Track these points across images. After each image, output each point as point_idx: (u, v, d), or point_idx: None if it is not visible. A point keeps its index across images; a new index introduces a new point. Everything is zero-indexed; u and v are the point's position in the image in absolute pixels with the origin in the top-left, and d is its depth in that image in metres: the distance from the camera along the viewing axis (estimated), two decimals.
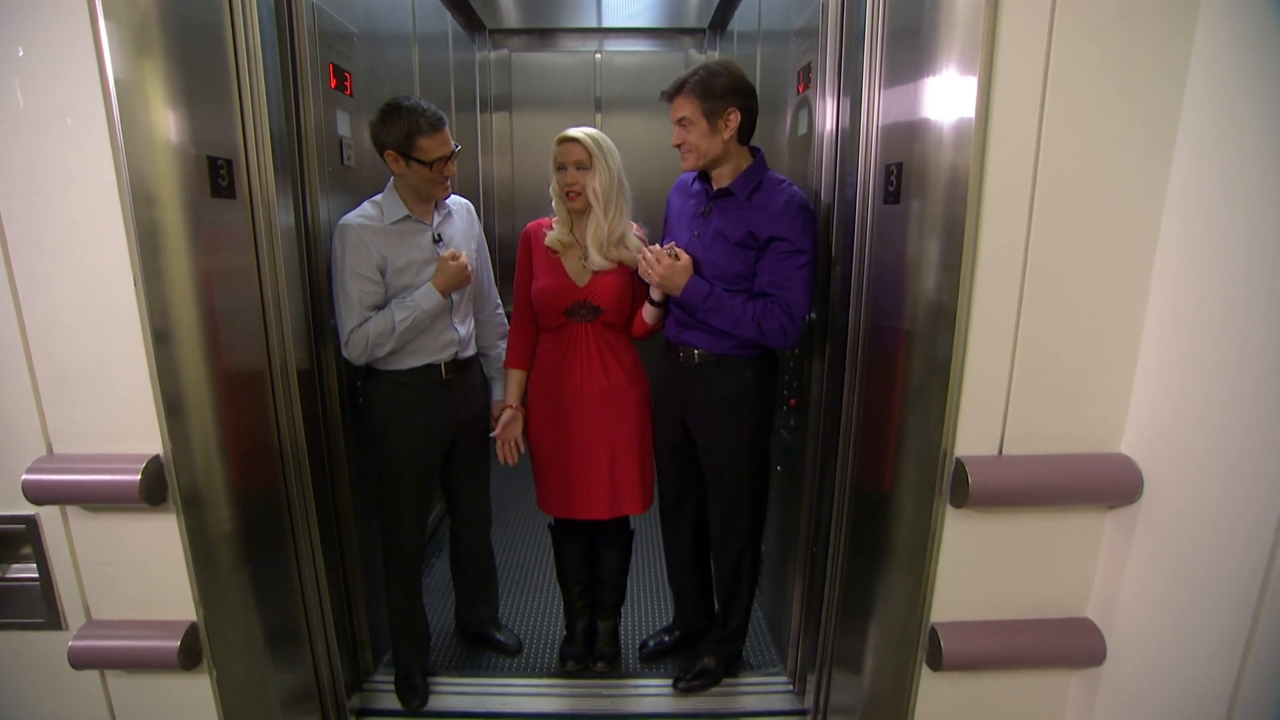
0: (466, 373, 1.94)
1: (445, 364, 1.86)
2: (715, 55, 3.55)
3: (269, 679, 1.57)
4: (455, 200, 1.93)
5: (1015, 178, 1.19)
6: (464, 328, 1.90)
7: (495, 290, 2.09)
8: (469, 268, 1.80)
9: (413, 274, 1.77)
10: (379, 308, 1.74)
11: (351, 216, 1.73)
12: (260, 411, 1.51)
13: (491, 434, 1.97)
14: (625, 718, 1.97)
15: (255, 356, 1.48)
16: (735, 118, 1.64)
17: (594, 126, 1.80)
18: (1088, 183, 1.20)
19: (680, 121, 1.67)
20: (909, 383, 1.35)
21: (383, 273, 1.73)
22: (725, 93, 1.62)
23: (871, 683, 1.54)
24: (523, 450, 1.95)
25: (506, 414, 1.93)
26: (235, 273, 1.42)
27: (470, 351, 1.95)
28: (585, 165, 1.76)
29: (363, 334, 1.71)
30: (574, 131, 1.76)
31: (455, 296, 1.84)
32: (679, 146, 1.69)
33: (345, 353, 1.74)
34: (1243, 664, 1.07)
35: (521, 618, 2.40)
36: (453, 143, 1.74)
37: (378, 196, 1.79)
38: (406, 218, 1.77)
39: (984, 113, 1.15)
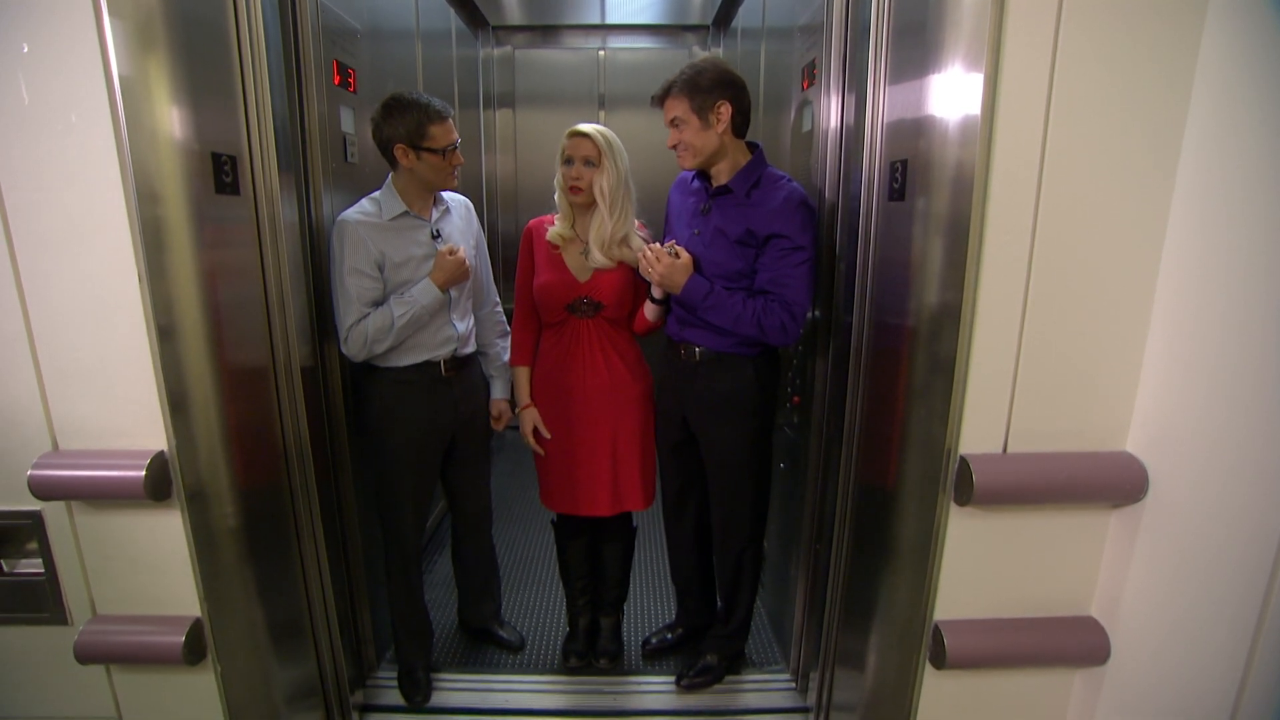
0: (466, 370, 1.94)
1: (445, 361, 1.86)
2: (719, 52, 3.54)
3: (273, 674, 1.58)
4: (453, 197, 1.93)
5: (1021, 175, 1.18)
6: (463, 324, 1.90)
7: (494, 288, 2.09)
8: (467, 263, 1.80)
9: (411, 270, 1.77)
10: (377, 304, 1.74)
11: (350, 213, 1.73)
12: (264, 407, 1.51)
13: (496, 429, 1.97)
14: (628, 715, 1.98)
15: (259, 352, 1.48)
16: (726, 110, 1.64)
17: (599, 124, 1.80)
18: (1094, 180, 1.19)
19: (673, 122, 1.67)
20: (913, 380, 1.34)
21: (381, 269, 1.73)
22: (713, 86, 1.62)
23: (874, 681, 1.54)
24: (547, 436, 1.93)
25: (524, 415, 1.93)
26: (239, 269, 1.42)
27: (470, 349, 1.95)
28: (594, 162, 1.75)
29: (361, 330, 1.71)
30: (586, 127, 1.76)
31: (454, 292, 1.83)
32: (675, 148, 1.69)
33: (344, 349, 1.74)
34: (1248, 663, 1.07)
35: (524, 614, 2.41)
36: (455, 134, 1.75)
37: (376, 193, 1.79)
38: (405, 214, 1.77)
39: (990, 109, 1.15)
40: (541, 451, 1.93)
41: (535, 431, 1.92)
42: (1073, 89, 1.15)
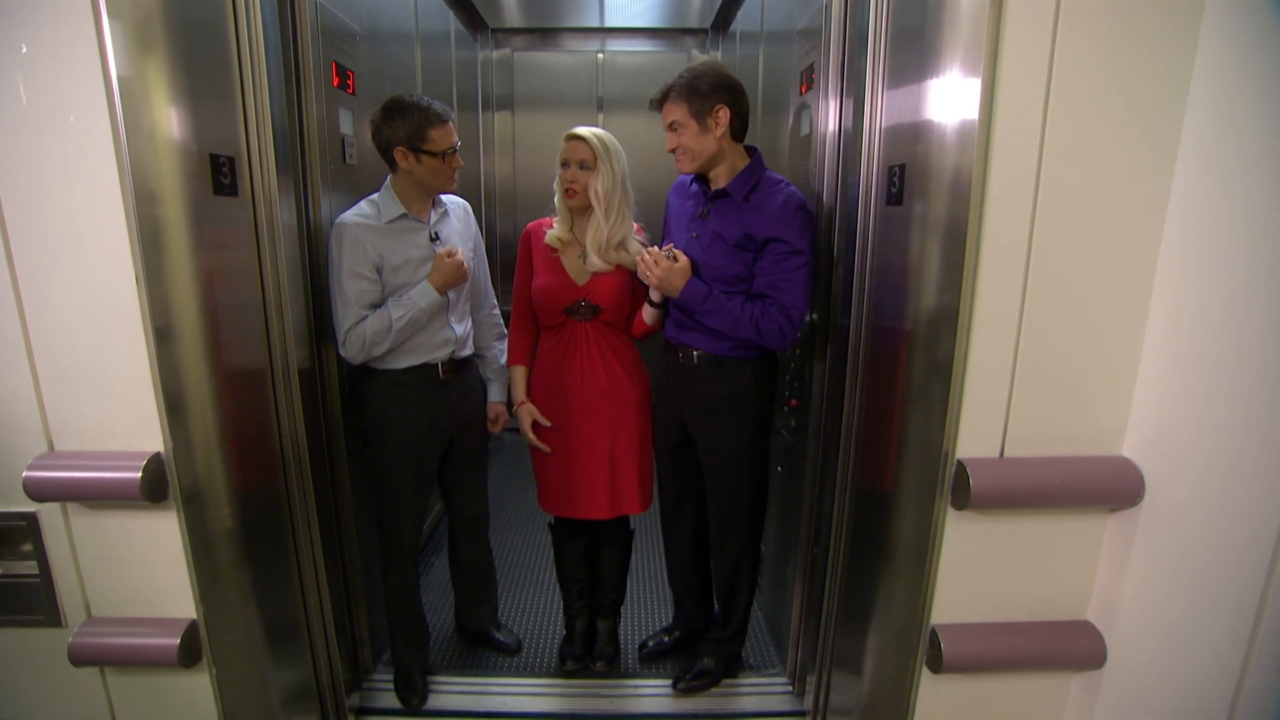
0: (464, 372, 1.94)
1: (442, 363, 1.85)
2: (718, 56, 3.55)
3: (269, 677, 1.57)
4: (452, 199, 1.93)
5: (1018, 179, 1.18)
6: (461, 327, 1.90)
7: (492, 291, 2.09)
8: (465, 265, 1.80)
9: (409, 272, 1.77)
10: (376, 306, 1.74)
11: (348, 215, 1.73)
12: (261, 409, 1.51)
13: (494, 431, 1.96)
14: (625, 718, 1.97)
15: (256, 354, 1.48)
16: (725, 114, 1.64)
17: (597, 126, 1.80)
18: (1091, 185, 1.19)
19: (671, 126, 1.68)
20: (910, 384, 1.34)
21: (379, 271, 1.73)
22: (711, 90, 1.63)
23: (871, 684, 1.54)
24: (546, 424, 1.92)
25: (521, 411, 1.92)
26: (237, 271, 1.42)
27: (467, 351, 1.95)
28: (589, 165, 1.76)
29: (359, 333, 1.70)
30: (582, 130, 1.76)
31: (452, 295, 1.83)
32: (673, 151, 1.70)
33: (342, 352, 1.74)
34: (1244, 667, 1.07)
35: (521, 617, 2.40)
36: (455, 137, 1.75)
37: (374, 195, 1.79)
38: (403, 216, 1.77)
39: (987, 114, 1.15)
40: (545, 448, 1.92)
41: (535, 426, 1.92)
42: (1070, 93, 1.15)
